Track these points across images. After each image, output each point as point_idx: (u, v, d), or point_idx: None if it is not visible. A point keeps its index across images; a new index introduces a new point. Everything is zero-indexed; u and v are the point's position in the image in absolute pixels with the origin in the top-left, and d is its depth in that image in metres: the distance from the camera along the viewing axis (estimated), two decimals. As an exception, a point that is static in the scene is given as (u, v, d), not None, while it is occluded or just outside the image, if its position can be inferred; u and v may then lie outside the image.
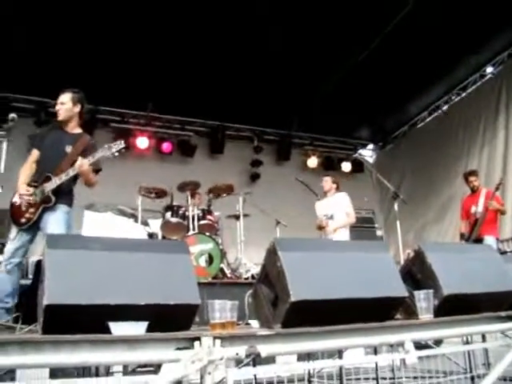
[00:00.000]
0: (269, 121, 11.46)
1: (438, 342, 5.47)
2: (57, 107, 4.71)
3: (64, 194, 4.55)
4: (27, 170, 4.58)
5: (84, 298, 2.28)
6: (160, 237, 7.22)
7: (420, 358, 5.44)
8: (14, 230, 4.44)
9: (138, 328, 2.24)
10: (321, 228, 7.13)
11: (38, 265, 4.91)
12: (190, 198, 7.37)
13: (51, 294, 2.25)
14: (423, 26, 8.10)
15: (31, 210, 4.36)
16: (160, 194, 7.60)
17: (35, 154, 4.63)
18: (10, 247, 4.39)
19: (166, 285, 2.45)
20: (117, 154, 4.66)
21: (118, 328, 2.21)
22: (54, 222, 4.41)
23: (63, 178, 4.42)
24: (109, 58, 8.36)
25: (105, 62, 8.44)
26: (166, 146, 10.91)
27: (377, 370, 4.70)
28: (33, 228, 4.40)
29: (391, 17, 7.93)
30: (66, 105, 4.71)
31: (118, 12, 7.45)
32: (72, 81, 8.64)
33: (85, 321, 2.21)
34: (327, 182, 7.44)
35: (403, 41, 8.43)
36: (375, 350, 4.61)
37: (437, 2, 7.59)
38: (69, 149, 4.56)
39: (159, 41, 8.09)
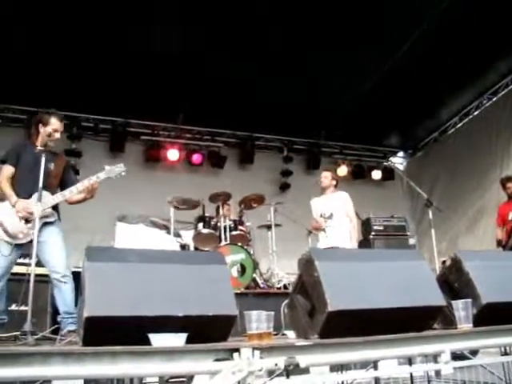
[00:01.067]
0: (298, 130, 11.43)
1: (474, 353, 5.36)
2: (56, 135, 4.64)
3: (57, 210, 4.62)
4: (8, 184, 4.45)
5: (123, 309, 2.31)
6: (192, 248, 7.27)
7: (455, 368, 5.34)
8: (6, 246, 4.34)
9: (178, 339, 2.26)
10: (317, 229, 6.77)
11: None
12: (221, 208, 7.41)
13: (91, 307, 2.29)
14: (452, 31, 7.98)
15: (29, 225, 4.32)
16: (191, 205, 7.64)
17: (9, 169, 4.50)
18: (2, 263, 4.33)
19: (203, 296, 2.47)
20: (119, 176, 4.66)
21: (158, 339, 2.23)
22: (56, 235, 4.49)
23: (66, 194, 4.49)
24: (138, 71, 8.45)
25: (134, 75, 8.52)
26: (196, 158, 10.96)
27: (412, 380, 4.63)
28: (27, 244, 4.34)
29: (419, 22, 7.87)
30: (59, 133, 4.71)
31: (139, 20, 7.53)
32: (101, 95, 8.92)
33: (124, 332, 2.24)
34: (327, 178, 6.94)
35: (432, 46, 8.33)
36: (410, 361, 4.56)
37: (467, 7, 7.50)
38: (51, 166, 4.57)
39: (185, 53, 8.15)
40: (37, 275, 4.46)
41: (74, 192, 4.50)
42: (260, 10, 7.49)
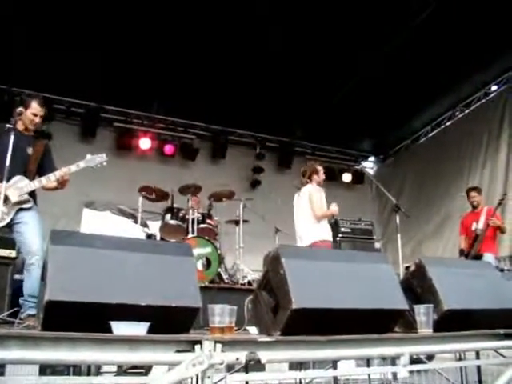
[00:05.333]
0: (271, 128, 11.46)
1: (430, 358, 5.47)
2: (36, 119, 4.56)
3: (34, 196, 4.53)
4: None
5: (86, 295, 2.28)
6: (158, 238, 7.21)
7: (411, 372, 5.44)
8: None
9: (140, 328, 2.24)
10: (330, 216, 6.51)
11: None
12: (190, 201, 7.36)
13: (53, 290, 2.25)
14: (429, 42, 8.10)
15: (4, 210, 4.18)
16: (161, 195, 7.58)
17: None
18: None
19: (168, 286, 2.45)
20: (99, 165, 4.60)
21: (120, 328, 2.21)
22: (32, 219, 4.38)
23: (43, 181, 4.40)
24: (114, 56, 8.35)
25: (110, 61, 8.43)
26: (168, 148, 10.89)
27: (370, 382, 4.70)
28: (2, 228, 4.28)
29: (398, 29, 7.96)
30: (39, 117, 4.62)
31: (122, 12, 7.42)
32: (76, 79, 8.78)
33: (85, 319, 2.21)
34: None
35: (409, 55, 8.44)
36: (368, 363, 4.61)
37: (444, 20, 7.60)
38: (29, 150, 4.50)
39: (164, 41, 8.06)
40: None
41: (51, 179, 4.41)
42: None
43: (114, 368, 4.58)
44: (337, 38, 8.07)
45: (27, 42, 7.84)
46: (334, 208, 6.29)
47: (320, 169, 6.62)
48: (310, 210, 6.18)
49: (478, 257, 7.04)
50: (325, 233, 6.18)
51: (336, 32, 7.93)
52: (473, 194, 7.56)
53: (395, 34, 8.03)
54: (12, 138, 4.04)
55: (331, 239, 6.25)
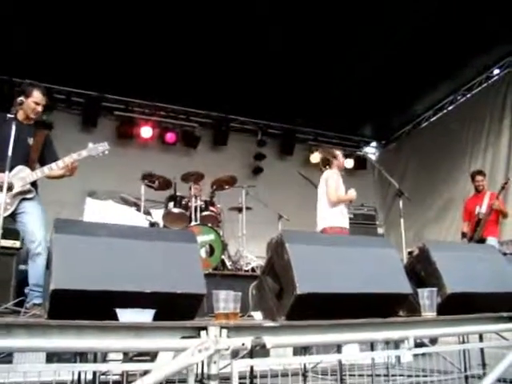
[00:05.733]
0: (273, 115, 11.41)
1: (434, 341, 5.49)
2: (38, 108, 4.53)
3: (36, 186, 4.53)
4: None
5: (91, 283, 2.28)
6: (162, 226, 7.22)
7: (415, 356, 5.47)
8: None
9: (145, 315, 2.25)
10: (348, 201, 6.37)
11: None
12: (192, 188, 7.36)
13: (58, 279, 2.26)
14: (431, 26, 8.05)
15: (7, 200, 4.17)
16: (163, 183, 7.58)
17: None
18: None
19: (172, 273, 2.45)
20: (101, 154, 4.59)
21: (125, 315, 2.22)
22: (35, 209, 4.38)
23: (45, 171, 4.40)
24: (115, 46, 8.31)
25: (111, 50, 8.39)
26: (169, 137, 10.87)
27: (373, 365, 4.72)
28: (5, 218, 4.16)
29: (399, 18, 7.92)
30: (41, 106, 4.59)
31: (123, 1, 7.43)
32: (76, 67, 8.75)
33: (91, 307, 2.22)
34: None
35: (410, 40, 8.40)
36: (372, 347, 4.64)
37: (445, 3, 7.56)
38: (30, 140, 4.50)
39: (165, 29, 8.03)
40: (2, 247, 4.40)
41: (53, 169, 4.40)
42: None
43: (120, 356, 4.61)
44: (338, 25, 8.04)
45: (27, 31, 7.80)
46: (352, 193, 6.23)
47: (338, 153, 6.52)
48: (326, 195, 6.16)
49: (481, 241, 7.07)
50: (336, 219, 6.10)
51: (337, 19, 7.90)
52: (479, 177, 7.55)
53: (397, 22, 7.99)
54: (14, 128, 4.02)
55: (344, 225, 6.13)
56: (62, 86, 9.82)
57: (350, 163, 12.41)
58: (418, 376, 4.29)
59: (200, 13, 7.72)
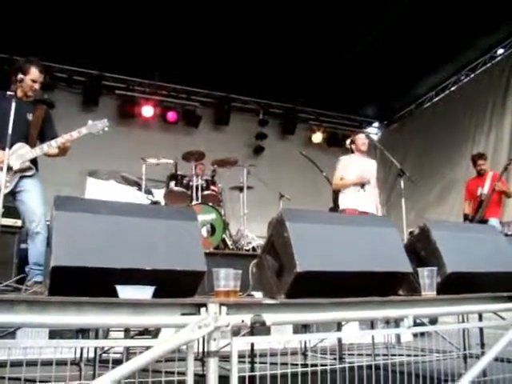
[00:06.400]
0: (275, 94, 11.38)
1: (433, 322, 5.53)
2: (35, 86, 4.49)
3: (36, 163, 4.50)
4: None
5: (91, 260, 2.28)
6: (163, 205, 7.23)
7: (415, 336, 5.50)
8: None
9: (145, 292, 2.26)
10: (362, 185, 6.24)
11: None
12: (194, 167, 7.36)
13: (58, 256, 2.26)
14: (434, 5, 7.97)
15: (6, 178, 4.11)
16: (164, 162, 7.57)
17: None
18: None
19: (173, 251, 2.45)
20: (101, 132, 4.56)
21: (125, 292, 2.22)
22: (35, 187, 4.37)
23: (45, 148, 4.37)
24: (116, 24, 8.25)
25: (111, 29, 8.33)
26: (171, 116, 10.85)
27: (373, 344, 4.76)
28: (5, 196, 4.15)
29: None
30: (38, 83, 4.54)
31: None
32: (77, 46, 8.69)
33: (91, 284, 2.22)
34: (367, 141, 6.60)
35: (413, 19, 8.30)
36: (372, 326, 4.66)
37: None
38: (30, 116, 4.46)
39: (167, 9, 7.98)
40: (3, 226, 4.40)
41: (53, 146, 4.38)
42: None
43: (122, 335, 4.64)
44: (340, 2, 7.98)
45: (28, 9, 7.74)
46: (356, 178, 6.27)
47: (357, 137, 6.61)
48: None
49: (483, 222, 7.05)
50: (347, 201, 6.26)
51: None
52: (480, 161, 7.51)
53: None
54: (14, 105, 4.00)
55: (356, 207, 6.14)
56: (64, 64, 9.77)
57: (351, 143, 12.39)
58: (417, 355, 4.32)
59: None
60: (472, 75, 10.54)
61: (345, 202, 6.27)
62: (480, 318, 3.97)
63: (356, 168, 6.35)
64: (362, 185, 6.27)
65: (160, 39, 8.66)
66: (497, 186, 7.12)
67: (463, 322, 4.20)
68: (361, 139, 6.54)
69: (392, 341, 5.44)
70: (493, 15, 8.30)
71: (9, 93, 4.12)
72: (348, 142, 6.83)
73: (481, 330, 4.11)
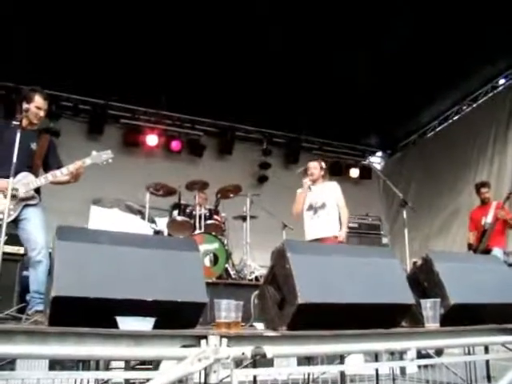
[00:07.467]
0: (278, 124, 11.46)
1: (439, 353, 5.44)
2: (40, 113, 4.55)
3: (39, 192, 4.53)
4: None
5: (92, 291, 2.28)
6: (166, 235, 7.22)
7: (420, 367, 5.41)
8: None
9: (146, 324, 2.24)
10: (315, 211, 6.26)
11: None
12: (197, 197, 7.37)
13: (59, 286, 2.26)
14: (436, 35, 8.07)
15: (10, 206, 4.10)
16: (168, 191, 7.58)
17: None
18: None
19: (174, 282, 2.45)
20: (104, 163, 4.59)
21: (126, 323, 2.21)
22: (37, 216, 4.38)
23: (49, 177, 4.41)
24: (120, 54, 8.36)
25: (116, 59, 8.44)
26: (175, 145, 10.90)
27: (377, 377, 4.68)
28: (8, 224, 4.16)
29: (404, 25, 7.93)
30: (43, 111, 4.61)
31: (128, 10, 7.44)
32: (82, 76, 8.80)
33: (92, 314, 2.22)
34: (316, 169, 6.48)
35: (415, 48, 8.40)
36: (376, 358, 4.60)
37: (451, 13, 7.56)
38: (34, 146, 4.51)
39: (169, 38, 8.09)
40: (6, 253, 4.39)
41: (57, 176, 4.42)
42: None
43: (123, 364, 4.60)
44: (339, 34, 8.08)
45: (34, 40, 7.86)
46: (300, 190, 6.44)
47: (307, 166, 6.61)
48: None
49: (487, 251, 7.01)
50: (309, 234, 6.26)
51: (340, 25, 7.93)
52: (484, 189, 7.52)
53: (399, 29, 8.00)
54: (18, 134, 4.03)
55: (308, 235, 6.23)
56: (69, 93, 9.88)
57: (355, 173, 12.42)
58: (421, 388, 4.25)
59: (205, 22, 7.81)
60: (474, 105, 10.61)
61: (310, 232, 6.26)
62: (486, 351, 3.92)
63: (312, 196, 6.36)
64: (315, 210, 6.27)
65: (165, 69, 8.76)
66: (499, 214, 7.10)
67: (469, 353, 4.14)
68: (309, 169, 6.51)
69: (397, 372, 5.35)
70: (494, 46, 8.38)
71: (14, 122, 4.16)
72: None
73: (487, 362, 4.05)
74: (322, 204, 6.24)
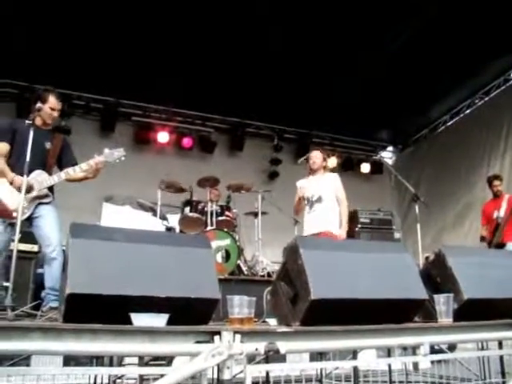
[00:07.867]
0: (289, 119, 11.42)
1: (452, 348, 5.42)
2: (54, 114, 4.62)
3: (53, 190, 4.58)
4: (3, 161, 4.37)
5: (106, 288, 2.30)
6: (178, 231, 7.25)
7: (433, 362, 5.39)
8: (2, 224, 4.27)
9: (160, 320, 2.26)
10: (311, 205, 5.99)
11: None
12: (209, 193, 7.38)
13: (73, 283, 2.28)
14: (448, 29, 8.00)
15: (24, 204, 4.13)
16: (180, 188, 7.61)
17: (5, 146, 4.42)
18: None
19: (187, 278, 2.46)
20: (117, 161, 4.61)
21: (139, 319, 2.23)
22: (51, 213, 4.44)
23: (62, 176, 4.46)
24: (131, 52, 8.38)
25: (127, 57, 8.46)
26: (186, 142, 10.92)
27: (390, 372, 4.67)
28: (22, 222, 4.17)
29: (414, 18, 7.88)
30: (57, 111, 4.66)
31: (135, 7, 7.47)
32: (94, 74, 8.84)
33: (106, 311, 2.24)
34: (319, 159, 6.17)
35: (426, 43, 8.34)
36: (389, 353, 4.59)
37: (462, 6, 7.50)
38: (48, 145, 4.56)
39: (180, 37, 8.12)
40: (20, 251, 4.44)
41: (70, 174, 4.46)
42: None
43: (137, 360, 4.62)
44: (347, 30, 8.05)
45: (48, 39, 7.90)
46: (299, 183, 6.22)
47: (309, 156, 6.39)
48: None
49: (500, 245, 6.97)
50: (307, 229, 6.04)
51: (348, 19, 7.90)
52: (496, 182, 7.47)
53: (410, 23, 7.94)
54: (31, 133, 4.06)
55: (306, 230, 6.02)
56: (81, 92, 9.92)
57: (366, 168, 12.37)
58: (434, 383, 4.24)
59: (214, 19, 7.78)
60: (486, 98, 10.52)
61: (307, 227, 6.01)
62: (500, 346, 3.89)
63: (309, 189, 6.06)
64: (311, 204, 6.00)
65: (175, 66, 8.77)
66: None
67: (482, 348, 4.12)
68: (311, 158, 6.25)
69: (409, 367, 5.33)
70: (505, 39, 8.30)
71: (27, 121, 4.19)
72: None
73: (501, 357, 4.03)
74: (319, 197, 5.94)
